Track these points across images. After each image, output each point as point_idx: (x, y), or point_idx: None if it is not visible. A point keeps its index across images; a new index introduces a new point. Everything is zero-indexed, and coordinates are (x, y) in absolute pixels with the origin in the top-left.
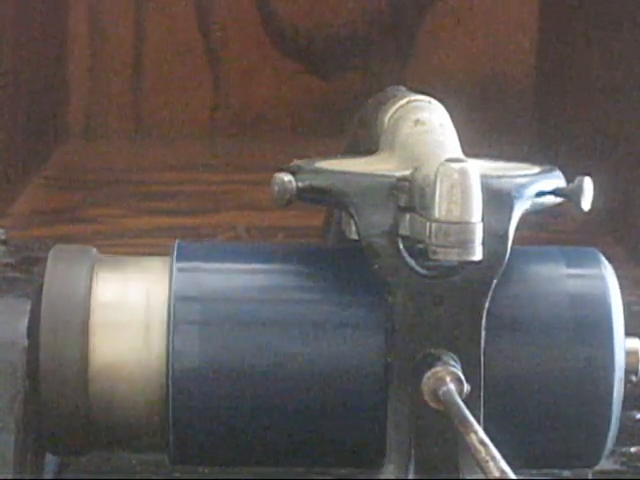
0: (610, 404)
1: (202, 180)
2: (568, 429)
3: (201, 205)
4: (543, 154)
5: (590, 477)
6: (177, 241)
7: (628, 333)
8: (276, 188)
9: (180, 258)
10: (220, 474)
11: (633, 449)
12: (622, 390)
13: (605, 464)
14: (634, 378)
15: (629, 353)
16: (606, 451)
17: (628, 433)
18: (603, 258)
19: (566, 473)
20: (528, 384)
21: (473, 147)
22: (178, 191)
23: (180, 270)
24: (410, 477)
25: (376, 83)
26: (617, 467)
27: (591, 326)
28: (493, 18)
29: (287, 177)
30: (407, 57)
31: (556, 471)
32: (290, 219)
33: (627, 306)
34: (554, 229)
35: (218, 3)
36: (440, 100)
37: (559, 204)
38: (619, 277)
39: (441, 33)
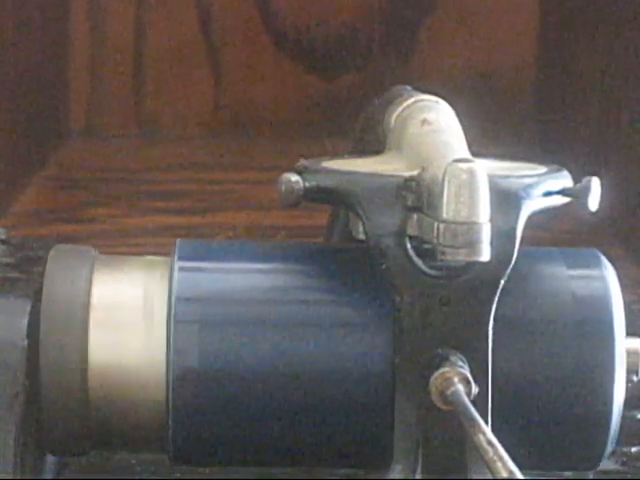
0: (611, 404)
1: (202, 180)
2: (569, 429)
3: (201, 205)
4: (543, 154)
5: (591, 477)
6: (178, 240)
7: (628, 333)
8: (283, 188)
9: (181, 257)
10: (220, 474)
11: (633, 449)
12: (623, 390)
13: (605, 464)
14: (635, 378)
15: (630, 353)
16: (607, 451)
17: (628, 433)
18: (604, 259)
19: (566, 473)
20: (529, 384)
21: (472, 147)
22: (178, 190)
23: (181, 269)
24: (417, 478)
25: (377, 83)
26: (617, 467)
27: (592, 326)
28: (494, 17)
29: (294, 177)
30: (408, 56)
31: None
32: (290, 219)
33: (627, 306)
34: (554, 229)
35: (218, 3)
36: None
37: (565, 204)
38: (620, 277)
39: (442, 32)
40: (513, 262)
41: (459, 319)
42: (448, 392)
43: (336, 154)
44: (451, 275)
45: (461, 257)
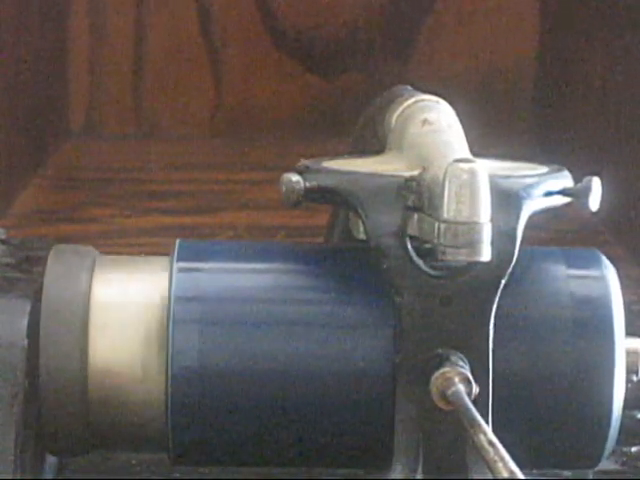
0: (611, 404)
1: (202, 180)
2: (569, 429)
3: (201, 205)
4: (543, 154)
5: (590, 477)
6: (178, 240)
7: (628, 333)
8: (284, 188)
9: (181, 257)
10: (220, 474)
11: (633, 449)
12: (623, 390)
13: (605, 464)
14: (635, 378)
15: (630, 353)
16: (607, 451)
17: (628, 433)
18: (604, 258)
19: (566, 473)
20: (529, 384)
21: (472, 147)
22: (178, 191)
23: (180, 270)
24: (418, 477)
25: (377, 83)
26: (617, 467)
27: (592, 326)
28: (494, 18)
29: (295, 177)
30: (408, 56)
31: (556, 470)
32: (290, 219)
33: (627, 306)
34: (554, 229)
35: (218, 3)
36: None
37: (566, 204)
38: (620, 277)
39: (442, 33)
40: (514, 262)
41: (460, 319)
42: (449, 392)
43: (336, 154)
44: (452, 275)
45: (462, 257)
